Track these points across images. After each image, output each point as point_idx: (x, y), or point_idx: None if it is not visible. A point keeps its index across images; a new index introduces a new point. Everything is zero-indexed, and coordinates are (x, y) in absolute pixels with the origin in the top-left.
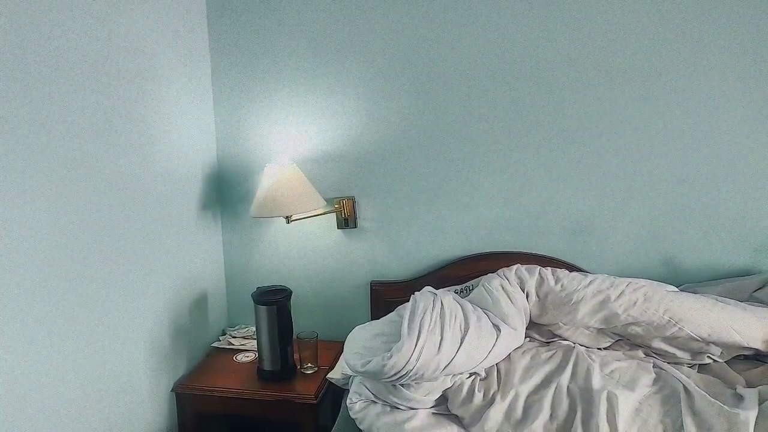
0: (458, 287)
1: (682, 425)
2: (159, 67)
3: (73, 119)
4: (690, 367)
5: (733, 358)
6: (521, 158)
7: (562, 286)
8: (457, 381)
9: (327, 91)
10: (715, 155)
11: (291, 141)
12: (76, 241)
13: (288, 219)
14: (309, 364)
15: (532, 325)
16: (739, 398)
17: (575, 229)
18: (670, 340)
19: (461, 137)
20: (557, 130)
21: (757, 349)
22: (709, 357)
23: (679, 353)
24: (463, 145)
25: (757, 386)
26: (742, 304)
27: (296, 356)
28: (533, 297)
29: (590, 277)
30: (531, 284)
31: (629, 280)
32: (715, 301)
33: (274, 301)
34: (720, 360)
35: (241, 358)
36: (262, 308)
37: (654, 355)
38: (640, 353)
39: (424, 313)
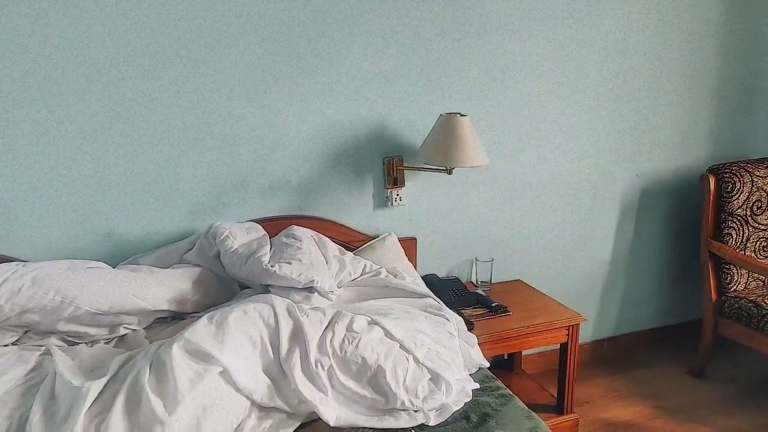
0: None
1: (30, 413)
2: None
3: None
4: (107, 342)
5: (158, 321)
6: None
7: None
8: None
9: None
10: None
11: None
12: None
13: None
14: None
15: None
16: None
17: None
18: (73, 320)
19: None
20: None
21: (171, 310)
22: (126, 327)
23: (92, 330)
24: None
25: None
26: (153, 269)
27: None
28: None
29: None
30: None
31: (21, 264)
32: (118, 273)
33: None
34: (138, 328)
35: None
36: None
37: (71, 339)
38: (54, 339)
39: None
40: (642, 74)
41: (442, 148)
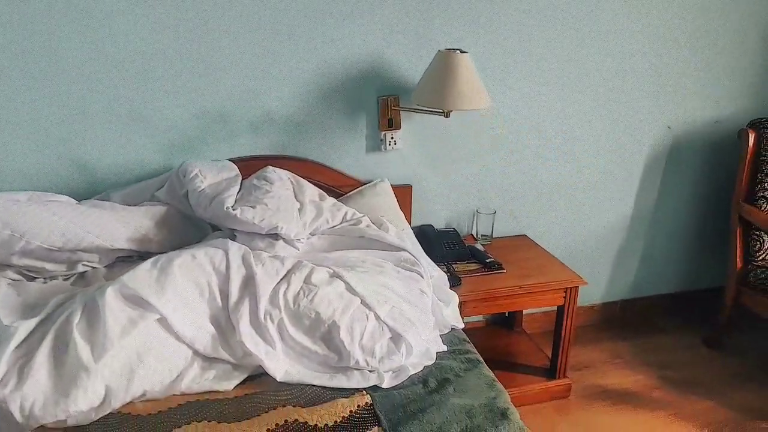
0: None
1: None
2: None
3: None
4: (66, 279)
5: (123, 260)
6: None
7: None
8: None
9: None
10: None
11: None
12: None
13: None
14: None
15: None
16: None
17: None
18: (26, 254)
19: None
20: None
21: (133, 249)
22: (85, 265)
23: (48, 266)
24: None
25: None
26: (116, 206)
27: None
28: None
29: None
30: None
31: None
32: (78, 207)
33: None
34: (99, 266)
35: None
36: None
37: (29, 273)
38: (10, 273)
39: None
40: (681, 21)
41: (437, 89)
